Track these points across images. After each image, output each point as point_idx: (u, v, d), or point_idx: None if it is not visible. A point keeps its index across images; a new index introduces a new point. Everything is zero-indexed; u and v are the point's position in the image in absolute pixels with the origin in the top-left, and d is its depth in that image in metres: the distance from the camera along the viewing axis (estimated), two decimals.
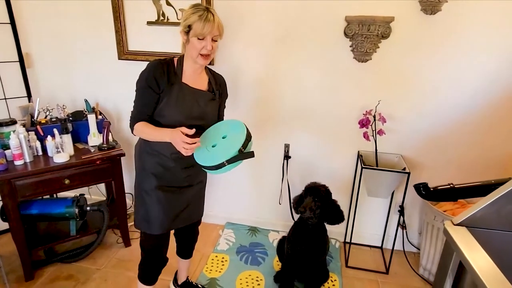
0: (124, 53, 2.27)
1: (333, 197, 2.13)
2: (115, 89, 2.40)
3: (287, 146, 2.29)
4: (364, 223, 2.36)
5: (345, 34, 1.95)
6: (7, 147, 1.85)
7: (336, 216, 1.74)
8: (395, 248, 2.23)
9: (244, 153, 1.29)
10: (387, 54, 1.95)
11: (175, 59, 1.42)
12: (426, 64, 1.93)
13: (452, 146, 2.06)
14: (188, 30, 1.31)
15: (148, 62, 1.38)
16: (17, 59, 2.26)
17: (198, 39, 1.30)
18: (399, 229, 2.27)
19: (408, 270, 2.16)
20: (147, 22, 2.17)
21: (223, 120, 1.59)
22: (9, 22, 2.18)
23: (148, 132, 1.36)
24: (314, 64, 2.07)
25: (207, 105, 1.44)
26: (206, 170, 1.33)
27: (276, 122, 2.26)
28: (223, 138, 1.36)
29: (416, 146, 2.11)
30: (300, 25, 2.00)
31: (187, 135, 1.27)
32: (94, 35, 2.30)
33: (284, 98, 2.19)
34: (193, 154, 1.31)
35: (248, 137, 1.33)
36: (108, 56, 2.30)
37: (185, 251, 1.80)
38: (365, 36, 1.90)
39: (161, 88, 1.34)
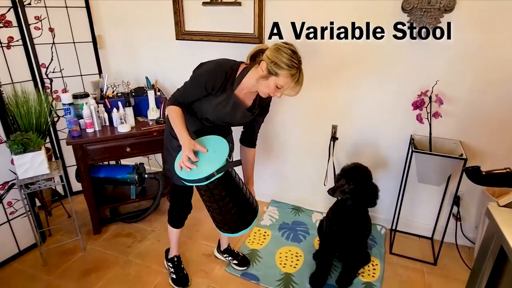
0: (181, 33, 2.41)
1: (382, 181, 2.07)
2: (172, 68, 2.57)
3: (334, 127, 2.26)
4: (414, 212, 2.25)
5: (403, 9, 1.83)
6: (81, 116, 2.12)
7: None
8: (448, 241, 2.10)
9: (231, 162, 1.32)
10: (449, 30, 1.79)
11: (242, 66, 1.44)
12: (496, 40, 1.73)
13: None
14: (273, 73, 1.31)
15: (216, 62, 1.43)
16: (91, 40, 2.54)
17: (277, 87, 1.34)
18: (454, 221, 2.13)
19: (460, 264, 2.02)
20: (203, 3, 2.26)
21: (256, 136, 1.70)
22: (84, 6, 2.44)
23: (175, 123, 1.40)
24: (367, 41, 1.98)
25: (241, 115, 1.52)
26: (187, 183, 1.33)
27: (324, 102, 2.23)
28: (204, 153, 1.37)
29: (478, 132, 1.93)
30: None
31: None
32: (156, 17, 2.47)
33: (333, 77, 2.14)
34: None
35: (231, 148, 1.37)
36: (167, 36, 2.46)
37: None
38: (425, 10, 1.77)
39: (213, 92, 1.41)
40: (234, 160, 1.41)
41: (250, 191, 1.51)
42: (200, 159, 1.33)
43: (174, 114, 1.42)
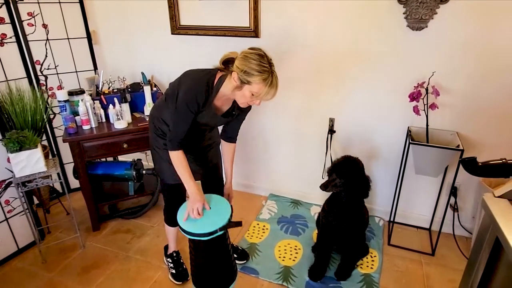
0: (176, 28, 2.39)
1: (379, 173, 2.06)
2: (168, 63, 2.55)
3: (332, 120, 2.26)
4: (411, 203, 2.26)
5: (399, 0, 1.82)
6: (76, 113, 2.11)
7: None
8: (446, 232, 2.11)
9: (233, 222, 1.44)
10: (445, 21, 1.79)
11: (218, 75, 1.42)
12: (492, 31, 1.73)
13: None
14: (245, 81, 1.30)
15: (191, 79, 1.43)
16: (85, 36, 2.51)
17: (252, 94, 1.32)
18: (451, 212, 2.14)
19: (457, 254, 2.04)
20: None
21: (237, 133, 1.72)
22: (78, 1, 2.41)
23: (182, 173, 1.48)
24: (364, 33, 1.97)
25: (220, 120, 1.57)
26: (189, 236, 1.41)
27: (321, 96, 2.22)
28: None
29: (475, 123, 1.93)
30: None
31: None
32: (150, 12, 2.44)
33: (330, 70, 2.14)
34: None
35: (231, 210, 1.50)
36: (162, 31, 2.44)
37: None
38: (421, 1, 1.75)
39: (199, 110, 1.43)
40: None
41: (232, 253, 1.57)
42: (204, 215, 1.46)
43: (179, 163, 1.48)
